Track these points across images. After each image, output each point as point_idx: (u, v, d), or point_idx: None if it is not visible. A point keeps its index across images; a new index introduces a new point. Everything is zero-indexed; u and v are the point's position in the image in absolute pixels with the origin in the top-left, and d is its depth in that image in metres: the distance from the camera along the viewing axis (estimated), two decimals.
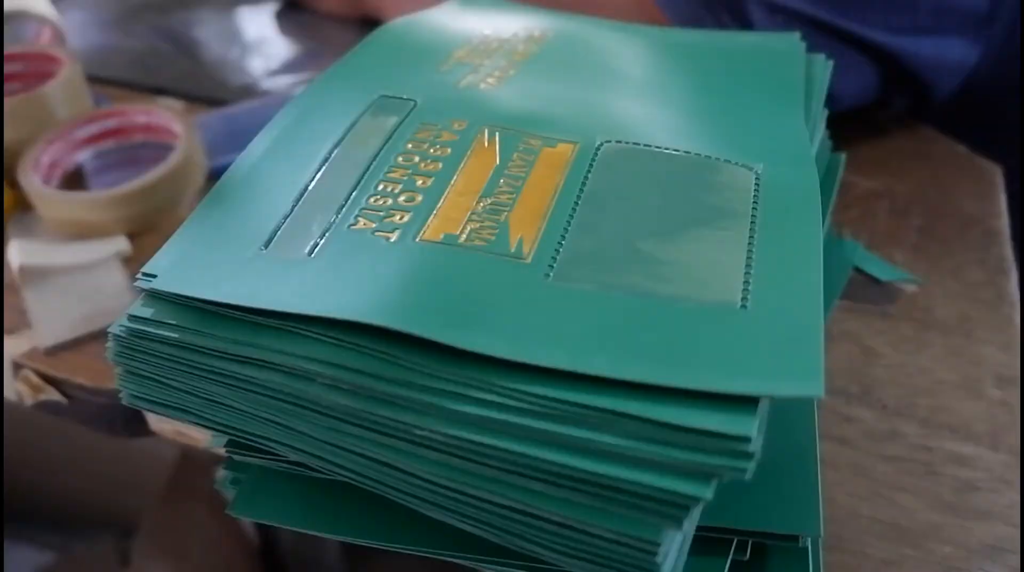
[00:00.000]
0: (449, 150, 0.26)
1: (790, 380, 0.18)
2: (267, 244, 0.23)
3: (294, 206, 0.24)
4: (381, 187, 0.25)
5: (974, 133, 0.49)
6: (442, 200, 0.24)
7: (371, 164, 0.25)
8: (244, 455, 0.25)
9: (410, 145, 0.26)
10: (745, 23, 0.45)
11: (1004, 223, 0.43)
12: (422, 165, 0.25)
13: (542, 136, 0.26)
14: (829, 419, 0.33)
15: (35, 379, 0.37)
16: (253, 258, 0.23)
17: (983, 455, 0.31)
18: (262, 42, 0.62)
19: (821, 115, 0.35)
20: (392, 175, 0.25)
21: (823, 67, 0.35)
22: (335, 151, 0.26)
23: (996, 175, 0.46)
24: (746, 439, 0.17)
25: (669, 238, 0.23)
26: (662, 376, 0.18)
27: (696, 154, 0.26)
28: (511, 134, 0.26)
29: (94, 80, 0.56)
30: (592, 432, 0.18)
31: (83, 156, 0.48)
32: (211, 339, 0.22)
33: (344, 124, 0.27)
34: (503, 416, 0.19)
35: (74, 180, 0.47)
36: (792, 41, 0.36)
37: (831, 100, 0.45)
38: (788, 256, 0.22)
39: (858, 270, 0.40)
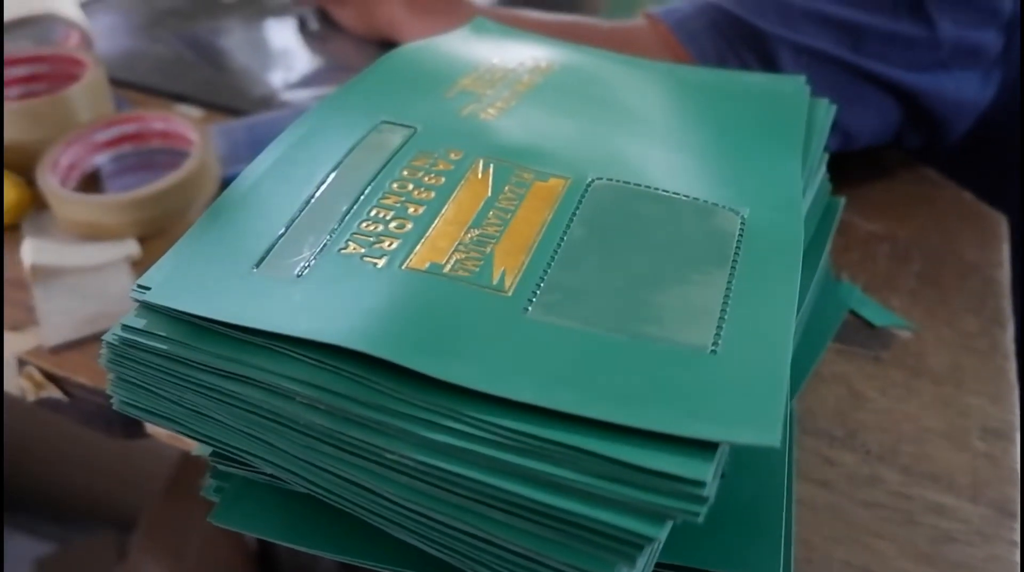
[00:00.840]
0: (443, 179, 0.27)
1: (748, 428, 0.19)
2: (259, 263, 0.24)
3: (288, 227, 0.25)
4: (374, 213, 0.25)
5: (981, 180, 0.49)
6: (431, 229, 0.25)
7: (366, 189, 0.26)
8: (227, 466, 0.26)
9: (406, 172, 0.27)
10: (769, 63, 0.45)
11: (1005, 273, 0.43)
12: (416, 193, 0.26)
13: (535, 170, 0.27)
14: (811, 461, 0.33)
15: (38, 376, 0.38)
16: (245, 277, 0.23)
17: (963, 507, 0.31)
18: (284, 54, 0.63)
19: (821, 158, 0.35)
20: (386, 201, 0.26)
21: (826, 111, 0.36)
22: (333, 174, 0.27)
23: (1000, 224, 0.46)
24: (700, 483, 0.18)
25: (649, 279, 0.23)
26: (624, 416, 0.19)
27: (685, 196, 0.27)
28: (505, 166, 0.27)
29: (118, 84, 0.58)
30: (554, 466, 0.19)
31: (101, 159, 0.49)
32: (198, 353, 0.22)
33: (344, 147, 0.28)
34: (470, 446, 0.20)
35: (91, 182, 0.48)
36: (798, 84, 0.37)
37: (849, 138, 0.46)
38: (763, 303, 0.23)
39: (853, 313, 0.40)
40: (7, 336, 0.39)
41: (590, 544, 0.19)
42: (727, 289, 0.23)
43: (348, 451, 0.21)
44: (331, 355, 0.21)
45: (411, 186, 0.26)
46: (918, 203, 0.47)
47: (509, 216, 0.25)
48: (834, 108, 0.36)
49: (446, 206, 0.26)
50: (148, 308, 0.23)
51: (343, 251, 0.24)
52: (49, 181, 0.44)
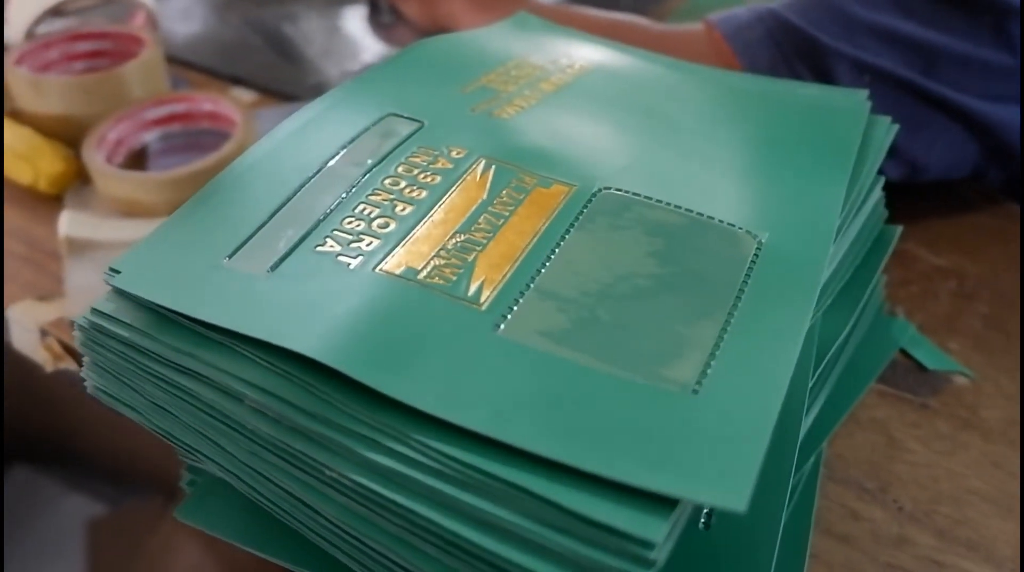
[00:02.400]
0: (439, 178, 0.25)
1: (713, 487, 0.16)
2: (232, 254, 0.23)
3: (270, 217, 0.24)
4: (359, 209, 0.24)
5: None
6: (415, 230, 0.23)
7: (357, 184, 0.25)
8: (195, 461, 0.25)
9: (401, 168, 0.25)
10: (825, 78, 0.42)
11: None
12: (407, 191, 0.25)
13: (539, 174, 0.25)
14: (835, 512, 0.30)
15: (57, 348, 0.38)
16: (215, 268, 0.22)
17: None
18: (345, 44, 0.62)
19: (874, 182, 0.32)
20: (373, 198, 0.24)
21: (886, 130, 0.32)
22: (327, 165, 0.26)
23: None
24: (649, 544, 0.16)
25: (640, 304, 0.21)
26: (577, 457, 0.17)
27: (698, 214, 0.24)
28: (507, 168, 0.25)
29: (180, 64, 0.59)
30: (493, 505, 0.17)
31: (150, 137, 0.50)
32: (156, 344, 0.21)
33: (344, 138, 0.27)
34: (410, 472, 0.18)
35: (139, 159, 0.49)
36: (857, 99, 0.34)
37: (915, 169, 0.42)
38: (764, 341, 0.20)
39: (904, 353, 0.36)
40: (33, 305, 0.40)
41: None
42: (727, 321, 0.21)
43: (290, 462, 0.20)
44: (284, 359, 0.20)
45: (403, 184, 0.25)
46: (993, 239, 0.43)
47: (501, 222, 0.23)
48: (895, 128, 0.32)
49: (436, 207, 0.24)
50: (119, 292, 0.23)
51: (319, 248, 0.23)
52: (92, 155, 0.45)
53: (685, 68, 0.35)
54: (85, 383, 0.25)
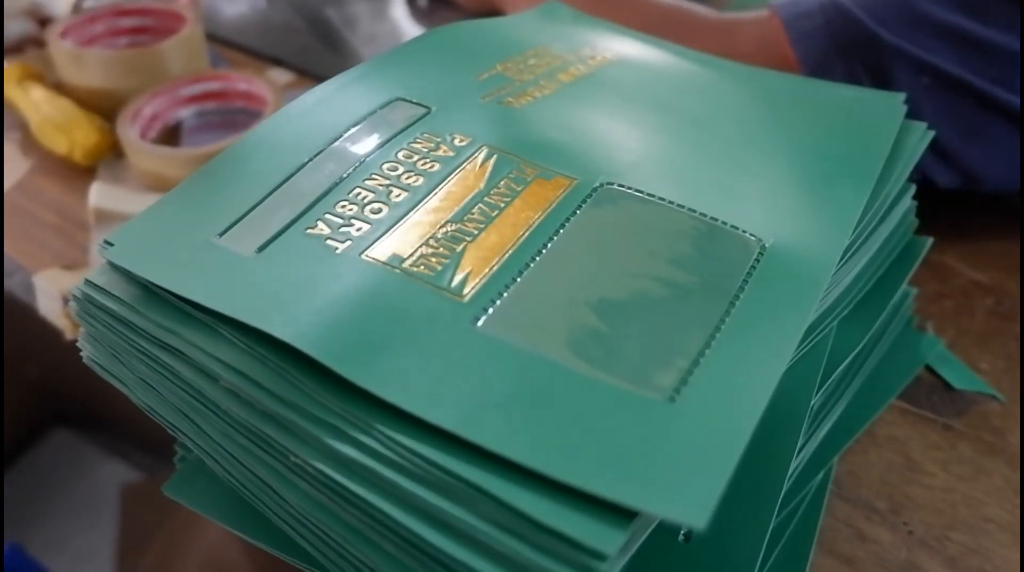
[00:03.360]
0: (438, 166, 0.24)
1: (674, 501, 0.15)
2: (224, 233, 0.23)
3: (266, 196, 0.24)
4: (354, 193, 0.24)
5: None
6: (407, 218, 0.23)
7: (356, 167, 0.24)
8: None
9: (402, 154, 0.25)
10: (881, 78, 0.40)
11: None
12: (404, 177, 0.24)
13: (540, 166, 0.24)
14: (840, 532, 0.29)
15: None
16: (204, 246, 0.22)
17: None
18: (387, 30, 0.62)
19: (904, 189, 0.31)
20: (370, 182, 0.24)
21: (920, 136, 0.31)
22: (329, 146, 0.25)
23: None
24: (601, 555, 0.15)
25: (627, 304, 0.20)
26: (541, 461, 0.16)
27: (701, 214, 0.23)
28: (508, 159, 0.25)
29: (222, 43, 0.59)
30: (451, 504, 0.17)
31: (185, 113, 0.50)
32: (142, 319, 0.21)
33: (349, 120, 0.26)
34: (373, 464, 0.17)
35: (173, 134, 0.49)
36: (892, 102, 0.32)
37: (970, 179, 0.40)
38: (751, 350, 0.19)
39: (930, 370, 0.35)
40: (58, 273, 0.41)
41: None
42: (716, 327, 0.20)
43: (259, 446, 0.20)
44: (260, 342, 0.20)
45: (401, 169, 0.24)
46: None
47: (495, 213, 0.23)
48: (931, 135, 0.31)
49: (431, 195, 0.23)
50: (111, 266, 0.23)
51: (309, 231, 0.22)
52: (126, 129, 0.45)
53: (715, 64, 0.34)
54: (81, 353, 0.25)
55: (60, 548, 0.94)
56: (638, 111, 0.29)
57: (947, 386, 0.34)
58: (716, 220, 0.23)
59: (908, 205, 0.31)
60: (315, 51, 0.59)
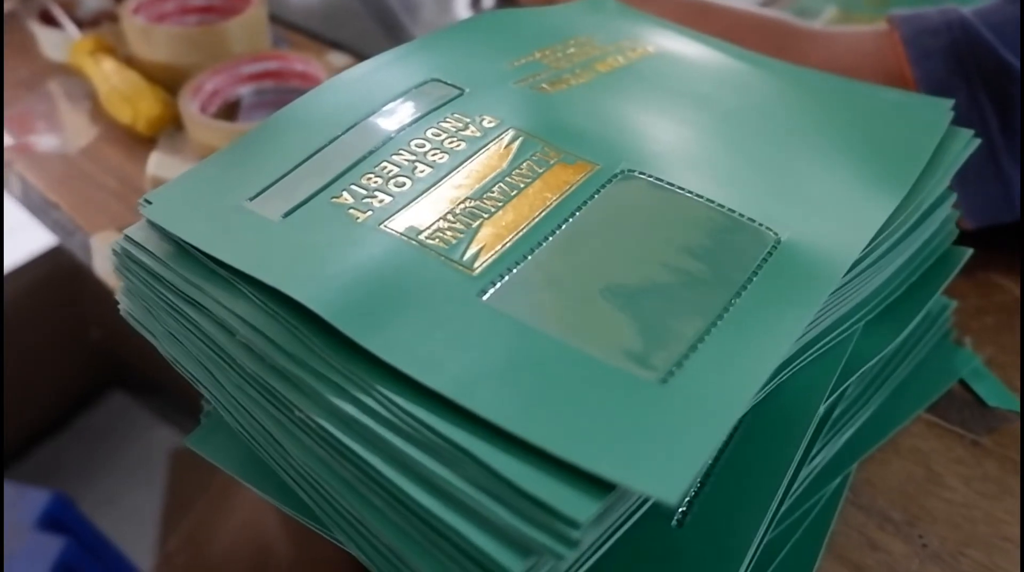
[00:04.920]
0: (464, 145, 0.25)
1: (649, 477, 0.16)
2: (254, 198, 0.24)
3: (298, 165, 0.25)
4: (381, 166, 0.24)
5: None
6: (428, 192, 0.23)
7: (385, 142, 0.25)
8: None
9: (430, 132, 0.26)
10: (1006, 108, 0.36)
11: None
12: (430, 154, 0.25)
13: (563, 150, 0.25)
14: (851, 539, 0.29)
15: None
16: (235, 209, 0.23)
17: None
18: (448, 21, 0.63)
19: (943, 196, 0.30)
20: (397, 157, 0.25)
21: (964, 144, 0.30)
22: (363, 121, 0.26)
23: None
24: (574, 523, 0.15)
25: (632, 287, 0.21)
26: (527, 429, 0.17)
27: (719, 206, 0.23)
28: (533, 142, 0.25)
29: (286, 25, 0.61)
30: (440, 465, 0.17)
31: (245, 90, 0.52)
32: (171, 273, 0.23)
33: (385, 97, 0.27)
34: (369, 422, 0.18)
35: (231, 110, 0.51)
36: (939, 108, 0.31)
37: None
38: (750, 340, 0.19)
39: (964, 385, 0.34)
40: (113, 236, 0.43)
41: (451, 559, 0.17)
42: (719, 315, 0.20)
43: (267, 399, 0.20)
44: (275, 300, 0.20)
45: (428, 147, 0.25)
46: None
47: (515, 193, 0.23)
48: (976, 143, 0.30)
49: (454, 172, 0.24)
50: (149, 223, 0.24)
51: (334, 200, 0.23)
52: (187, 102, 0.47)
53: (758, 61, 0.33)
54: (119, 306, 0.26)
55: (110, 505, 0.98)
56: (671, 103, 0.29)
57: (980, 402, 0.33)
58: (734, 212, 0.23)
59: (948, 213, 0.31)
60: (374, 37, 0.60)
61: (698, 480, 0.22)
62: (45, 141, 0.51)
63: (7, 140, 0.51)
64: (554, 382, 0.18)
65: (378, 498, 0.18)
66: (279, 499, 0.24)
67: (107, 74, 0.51)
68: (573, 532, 0.15)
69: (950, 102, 0.31)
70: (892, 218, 0.26)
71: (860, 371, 0.27)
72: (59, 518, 0.58)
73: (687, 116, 0.28)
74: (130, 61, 0.53)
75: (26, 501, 0.57)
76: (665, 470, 0.16)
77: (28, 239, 0.99)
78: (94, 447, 1.08)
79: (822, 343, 0.26)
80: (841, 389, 0.27)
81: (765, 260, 0.22)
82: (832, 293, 0.25)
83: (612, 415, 0.17)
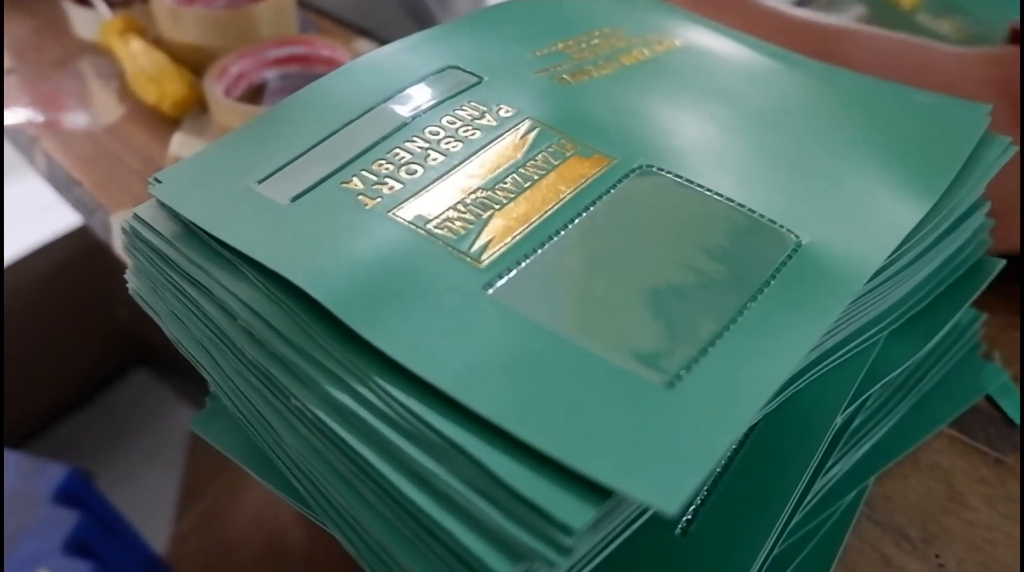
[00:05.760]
0: (479, 134, 0.24)
1: (649, 486, 0.15)
2: (264, 180, 0.23)
3: (310, 149, 0.24)
4: (393, 153, 0.24)
5: None
6: (439, 181, 0.23)
7: (399, 128, 0.25)
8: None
9: (446, 120, 0.25)
10: None
11: None
12: (444, 142, 0.24)
13: (581, 143, 0.24)
14: (865, 555, 0.28)
15: None
16: (244, 191, 0.23)
17: None
18: (481, 8, 0.63)
19: (977, 205, 0.29)
20: (410, 144, 0.24)
21: (1001, 150, 0.29)
22: (378, 106, 0.26)
23: None
24: (568, 529, 0.15)
25: (644, 287, 0.20)
26: (522, 427, 0.16)
27: (739, 205, 0.22)
28: (549, 133, 0.24)
29: (314, 10, 0.61)
30: (433, 461, 0.17)
31: (271, 74, 0.52)
32: (177, 254, 0.22)
33: (402, 83, 0.27)
34: (365, 414, 0.18)
35: (257, 94, 0.51)
36: (976, 113, 0.30)
37: None
38: (764, 347, 0.18)
39: (991, 401, 0.33)
40: None
41: (441, 560, 0.16)
42: (733, 319, 0.19)
43: (266, 386, 0.20)
44: (277, 285, 0.20)
45: (443, 134, 0.24)
46: None
47: (528, 185, 0.23)
48: (1013, 150, 0.29)
49: (467, 161, 0.23)
50: (158, 202, 0.24)
51: (343, 185, 0.23)
52: (213, 85, 0.47)
53: (790, 59, 0.32)
54: (128, 284, 0.26)
55: (128, 482, 0.99)
56: (695, 99, 0.28)
57: (1007, 420, 0.32)
58: (754, 212, 0.22)
59: (981, 222, 0.30)
60: (402, 25, 0.59)
61: (705, 488, 0.22)
62: (73, 119, 0.52)
63: (36, 116, 0.52)
64: (556, 381, 0.17)
65: (371, 493, 0.17)
66: (278, 486, 0.24)
67: (135, 54, 0.51)
68: (566, 539, 0.15)
69: (987, 107, 0.30)
70: (921, 225, 0.25)
71: (881, 382, 0.26)
72: (75, 493, 0.58)
73: (711, 112, 0.27)
74: (159, 42, 0.53)
75: (43, 475, 0.57)
76: (666, 479, 0.15)
77: (59, 216, 1.00)
78: (116, 424, 1.09)
79: (842, 352, 0.25)
80: (861, 400, 0.26)
81: (784, 263, 0.21)
82: (854, 301, 0.24)
83: (614, 418, 0.16)
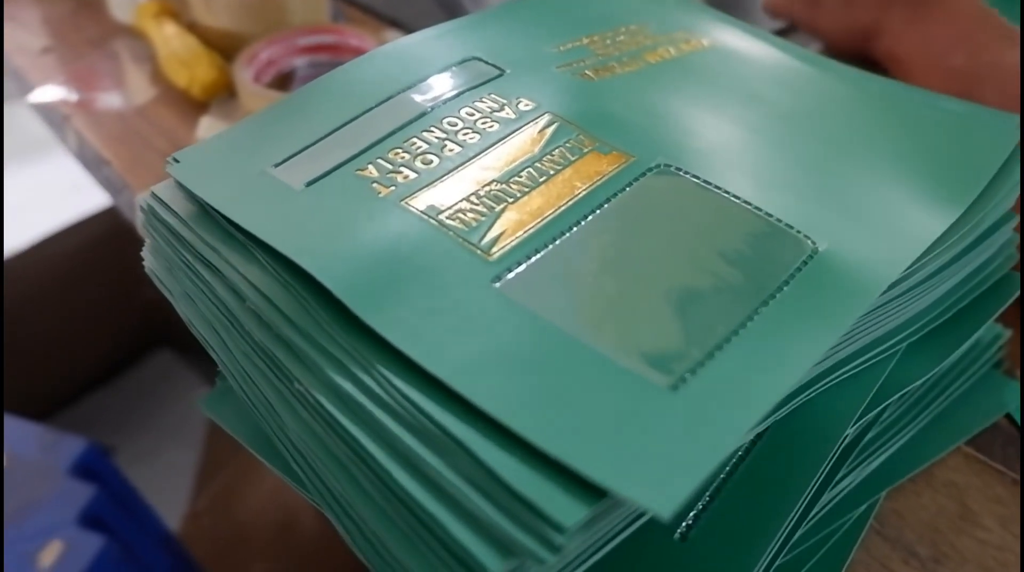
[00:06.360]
0: (497, 126, 0.24)
1: (644, 487, 0.15)
2: (279, 164, 0.23)
3: (328, 134, 0.24)
4: (410, 142, 0.24)
5: None
6: (454, 172, 0.23)
7: (418, 118, 0.25)
8: None
9: (464, 111, 0.25)
10: None
11: None
12: (461, 133, 0.24)
13: (599, 139, 0.24)
14: (872, 570, 0.27)
15: None
16: (259, 174, 0.23)
17: None
18: None
19: (1006, 218, 0.28)
20: (427, 134, 0.24)
21: None
22: (398, 94, 0.26)
23: None
24: (559, 527, 0.14)
25: (653, 287, 0.20)
26: (520, 422, 0.16)
27: (756, 208, 0.22)
28: (568, 128, 0.24)
29: (347, 0, 0.61)
30: (430, 452, 0.17)
31: (300, 62, 0.52)
32: (191, 234, 0.22)
33: (424, 73, 0.26)
34: (366, 402, 0.18)
35: (285, 81, 0.51)
36: (1010, 124, 0.29)
37: None
38: (772, 354, 0.18)
39: (1011, 420, 0.32)
40: None
41: (432, 552, 0.16)
42: (742, 324, 0.19)
43: (271, 369, 0.20)
44: (286, 269, 0.20)
45: (461, 125, 0.24)
46: None
47: (543, 179, 0.22)
48: None
49: (483, 153, 0.23)
50: (175, 182, 0.24)
51: (359, 172, 0.23)
52: (242, 70, 0.47)
53: (822, 63, 0.32)
54: (144, 262, 0.26)
55: (147, 460, 1.00)
56: (720, 99, 0.27)
57: None
58: (771, 216, 0.22)
59: (1008, 236, 0.29)
60: (433, 16, 0.59)
61: (707, 494, 0.21)
62: (105, 99, 0.52)
63: (70, 95, 0.52)
64: (558, 377, 0.17)
65: (367, 481, 0.17)
66: (282, 469, 0.24)
67: (168, 37, 0.51)
68: (557, 536, 0.14)
69: (1019, 118, 0.30)
70: (944, 237, 0.24)
71: (896, 396, 0.26)
72: (92, 467, 0.59)
73: (735, 114, 0.27)
74: (192, 26, 0.53)
75: (62, 447, 0.58)
76: (661, 481, 0.15)
77: (92, 196, 1.02)
78: (138, 402, 1.11)
79: (857, 363, 0.24)
80: (874, 412, 0.26)
81: (799, 269, 0.20)
82: (871, 311, 0.23)
83: (614, 417, 0.16)
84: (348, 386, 0.18)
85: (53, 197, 1.13)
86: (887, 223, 0.23)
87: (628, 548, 0.19)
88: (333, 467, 0.18)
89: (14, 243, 1.02)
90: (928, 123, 0.29)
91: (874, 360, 0.25)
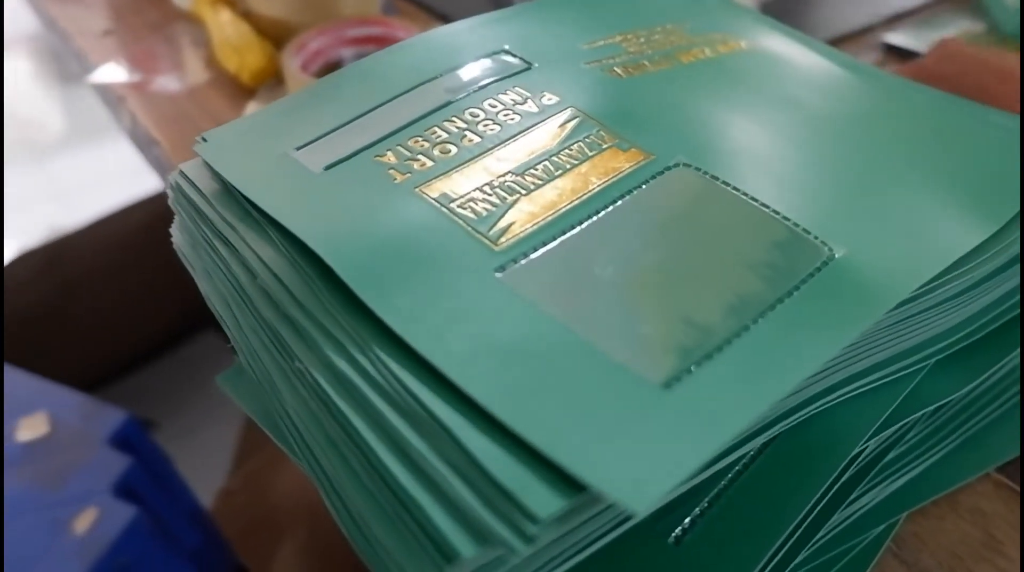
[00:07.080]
0: (518, 118, 0.24)
1: (620, 483, 0.15)
2: (301, 147, 0.24)
3: (352, 120, 0.24)
4: (430, 131, 0.24)
5: None
6: (471, 162, 0.23)
7: (441, 107, 0.25)
8: None
9: (488, 103, 0.25)
10: None
11: None
12: (482, 125, 0.24)
13: (619, 136, 0.24)
14: None
15: None
16: (281, 157, 0.23)
17: None
18: None
19: None
20: (448, 124, 0.24)
21: None
22: (424, 84, 0.26)
23: None
24: (534, 518, 0.14)
25: (655, 286, 0.19)
26: (504, 411, 0.16)
27: (773, 211, 0.22)
28: (589, 123, 0.24)
29: None
30: (417, 436, 0.17)
31: (347, 53, 0.53)
32: (212, 211, 0.23)
33: (453, 62, 0.27)
34: (360, 383, 0.18)
35: (332, 70, 0.52)
36: None
37: None
38: (773, 359, 0.18)
39: None
40: None
41: (411, 535, 0.16)
42: (745, 326, 0.18)
43: (275, 346, 0.20)
44: (296, 247, 0.20)
45: (483, 116, 0.24)
46: None
47: (559, 173, 0.22)
48: None
49: (502, 145, 0.23)
50: (203, 160, 0.24)
51: (377, 158, 0.23)
52: (290, 59, 0.48)
53: (864, 71, 0.31)
54: (172, 238, 0.27)
55: (187, 437, 1.03)
56: (752, 103, 0.27)
57: None
58: (788, 220, 0.21)
59: None
60: (482, 9, 0.60)
61: (707, 500, 0.21)
62: (161, 81, 0.54)
63: (128, 76, 0.54)
64: (551, 369, 0.17)
65: (356, 461, 0.18)
66: (286, 445, 0.24)
67: (222, 24, 0.52)
68: (531, 526, 0.14)
69: None
70: (977, 253, 0.23)
71: (917, 414, 0.25)
72: (130, 440, 0.61)
73: (765, 116, 0.26)
74: (247, 14, 0.55)
75: (102, 417, 0.60)
76: (639, 479, 0.15)
77: (147, 179, 1.05)
78: (183, 381, 1.14)
79: (877, 376, 0.24)
80: (897, 430, 0.25)
81: (812, 275, 0.20)
82: (893, 324, 0.23)
83: (603, 412, 0.16)
84: (344, 366, 0.18)
85: (112, 178, 1.17)
86: (914, 235, 0.22)
87: (621, 550, 0.19)
88: (327, 447, 0.18)
89: (73, 222, 1.06)
90: (973, 137, 0.28)
91: (896, 375, 0.24)
